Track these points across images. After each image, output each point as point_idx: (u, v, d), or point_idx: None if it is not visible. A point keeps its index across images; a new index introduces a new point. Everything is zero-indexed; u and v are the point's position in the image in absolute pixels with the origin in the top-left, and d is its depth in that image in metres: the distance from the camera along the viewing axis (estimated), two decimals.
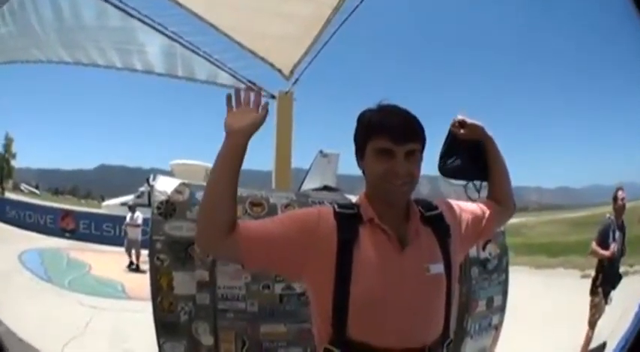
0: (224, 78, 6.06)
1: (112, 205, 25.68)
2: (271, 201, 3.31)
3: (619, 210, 6.04)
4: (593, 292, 6.03)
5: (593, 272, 6.20)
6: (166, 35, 5.28)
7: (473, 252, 3.92)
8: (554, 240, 25.86)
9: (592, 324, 6.03)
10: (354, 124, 1.86)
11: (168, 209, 3.16)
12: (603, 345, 6.27)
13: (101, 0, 4.71)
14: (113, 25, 5.08)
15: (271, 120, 5.73)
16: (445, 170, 2.21)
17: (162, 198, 3.18)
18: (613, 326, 6.07)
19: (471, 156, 2.18)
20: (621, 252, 5.87)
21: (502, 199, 2.18)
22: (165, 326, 3.24)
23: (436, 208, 1.93)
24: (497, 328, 4.21)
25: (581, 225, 27.63)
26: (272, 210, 3.26)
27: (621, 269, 6.05)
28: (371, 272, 1.72)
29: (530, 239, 28.97)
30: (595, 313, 6.01)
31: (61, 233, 20.18)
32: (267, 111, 1.74)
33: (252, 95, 1.76)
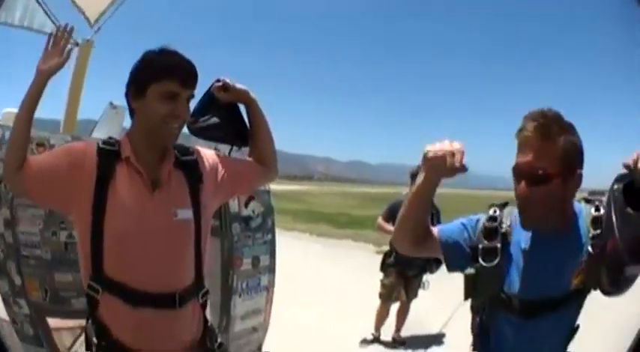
0: (39, 22, 5.76)
1: None
2: (52, 142, 3.26)
3: None
4: (383, 269, 5.89)
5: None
6: None
7: (234, 207, 3.95)
8: (343, 212, 25.68)
9: (385, 299, 5.91)
10: None
11: None
12: (441, 336, 6.45)
13: None
14: None
15: (69, 69, 5.56)
16: (195, 128, 2.15)
17: None
18: (449, 315, 6.61)
19: (229, 118, 2.16)
20: None
21: (265, 161, 2.17)
22: None
23: (192, 154, 1.97)
24: (269, 289, 4.31)
25: (377, 201, 29.05)
26: None
27: None
28: (122, 211, 1.76)
29: (314, 207, 28.90)
30: (390, 291, 5.83)
31: None
32: (68, 55, 1.85)
33: (63, 38, 1.86)
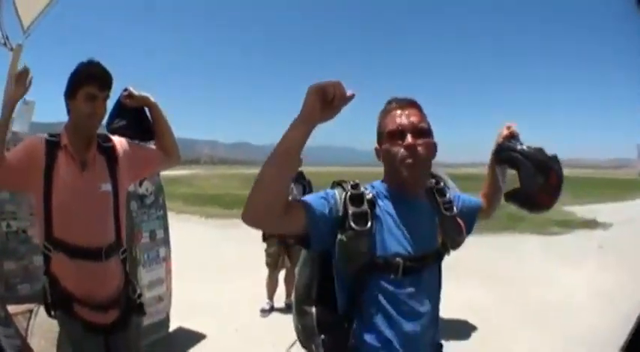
0: None
1: None
2: None
3: None
4: (265, 239, 6.16)
5: None
6: None
7: (131, 187, 4.03)
8: (229, 193, 26.05)
9: (272, 268, 6.23)
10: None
11: None
12: None
13: None
14: None
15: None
16: (112, 128, 2.59)
17: None
18: None
19: (136, 119, 2.60)
20: None
21: (167, 150, 2.65)
22: None
23: (110, 141, 2.47)
24: (166, 260, 4.71)
25: None
26: None
27: None
28: (62, 187, 2.24)
29: (203, 190, 29.48)
30: (275, 259, 6.16)
31: None
32: (29, 86, 2.36)
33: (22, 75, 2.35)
